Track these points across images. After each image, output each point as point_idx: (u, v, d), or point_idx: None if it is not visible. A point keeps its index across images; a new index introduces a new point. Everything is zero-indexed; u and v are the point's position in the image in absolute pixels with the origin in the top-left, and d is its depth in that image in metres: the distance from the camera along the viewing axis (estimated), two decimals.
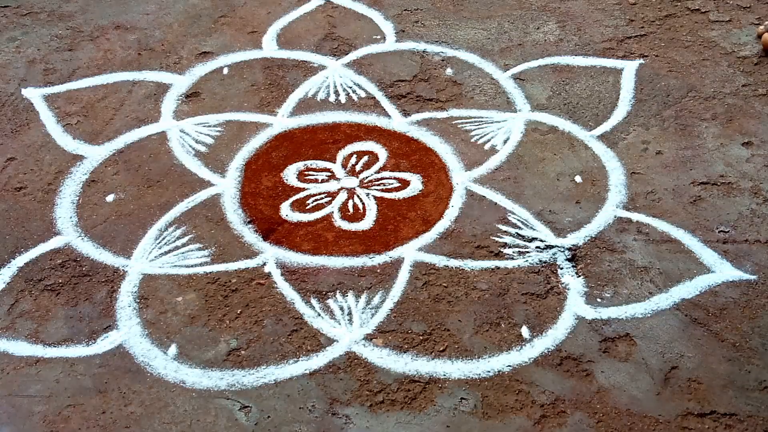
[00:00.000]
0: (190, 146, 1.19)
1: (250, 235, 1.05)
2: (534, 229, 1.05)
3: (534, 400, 0.85)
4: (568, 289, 0.97)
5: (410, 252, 1.02)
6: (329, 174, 1.13)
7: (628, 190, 1.10)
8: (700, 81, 1.26)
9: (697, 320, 0.93)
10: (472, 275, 0.99)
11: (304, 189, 1.11)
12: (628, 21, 1.40)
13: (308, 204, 1.09)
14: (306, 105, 1.26)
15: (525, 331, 0.92)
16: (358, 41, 1.36)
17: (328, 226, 1.06)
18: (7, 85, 1.30)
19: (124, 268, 1.01)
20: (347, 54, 1.35)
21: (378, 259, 1.01)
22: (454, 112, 1.23)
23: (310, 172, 1.14)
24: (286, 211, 1.08)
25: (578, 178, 1.12)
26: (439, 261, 1.01)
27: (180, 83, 1.30)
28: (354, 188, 1.11)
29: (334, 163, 1.14)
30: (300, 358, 0.90)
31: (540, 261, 1.00)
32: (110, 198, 1.11)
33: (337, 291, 0.97)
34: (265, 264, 1.01)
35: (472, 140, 1.18)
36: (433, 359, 0.90)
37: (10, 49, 1.38)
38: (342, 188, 1.11)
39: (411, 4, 1.42)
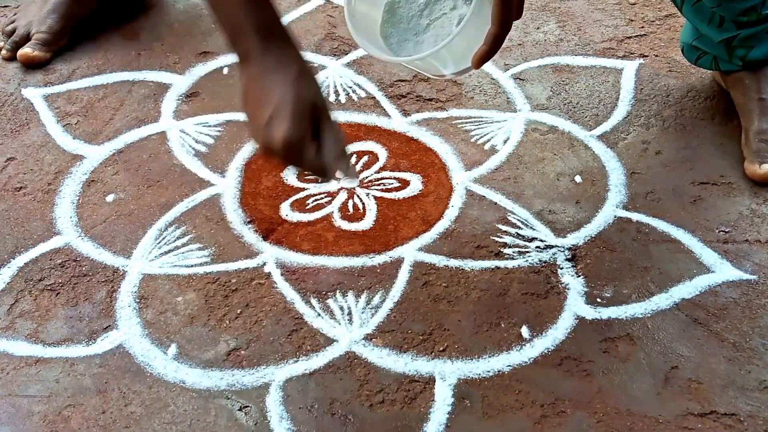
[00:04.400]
0: (190, 146, 1.19)
1: (250, 235, 1.05)
2: (534, 229, 1.05)
3: (534, 400, 0.85)
4: (568, 289, 0.97)
5: (410, 252, 1.02)
6: None
7: (628, 190, 1.10)
8: (700, 81, 1.26)
9: (697, 320, 0.93)
10: (472, 275, 0.99)
11: (304, 189, 1.11)
12: (628, 21, 1.40)
13: (308, 204, 1.09)
14: None
15: (525, 331, 0.92)
16: None
17: (328, 226, 1.06)
18: (7, 85, 1.30)
19: (124, 268, 1.01)
20: (347, 54, 1.35)
21: (378, 259, 1.01)
22: (454, 112, 1.23)
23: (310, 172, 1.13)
24: (286, 211, 1.08)
25: (578, 178, 1.12)
26: (439, 261, 1.01)
27: (180, 83, 1.30)
28: (354, 188, 1.11)
29: None
30: (300, 358, 0.90)
31: (540, 261, 1.00)
32: (110, 198, 1.11)
33: (337, 291, 0.97)
34: (265, 264, 1.01)
35: (472, 140, 1.18)
36: (433, 359, 0.90)
37: None
38: (342, 188, 1.11)
39: None
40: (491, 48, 0.73)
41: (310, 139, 0.78)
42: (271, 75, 0.79)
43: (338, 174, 0.80)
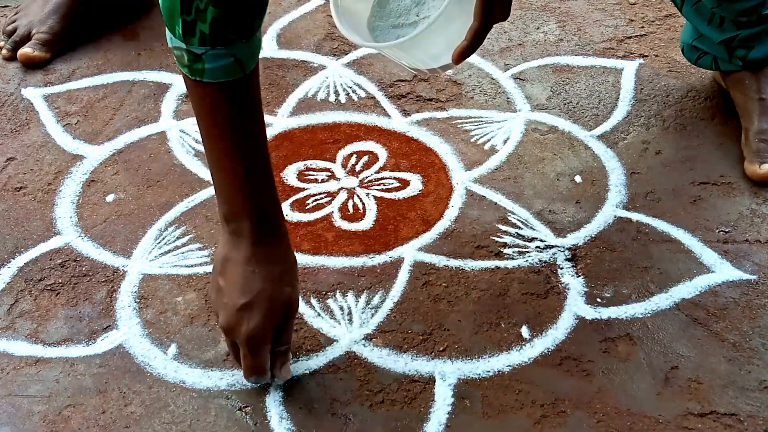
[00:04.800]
0: (190, 146, 1.19)
1: None
2: (534, 229, 1.05)
3: (534, 400, 0.85)
4: (568, 289, 0.97)
5: (410, 252, 1.02)
6: (329, 174, 1.13)
7: (628, 190, 1.10)
8: (700, 81, 1.26)
9: (697, 320, 0.93)
10: (472, 275, 0.99)
11: (304, 189, 1.11)
12: (628, 21, 1.40)
13: (308, 204, 1.09)
14: (306, 105, 1.26)
15: (525, 331, 0.92)
16: None
17: (327, 226, 1.06)
18: (7, 85, 1.30)
19: (124, 268, 1.01)
20: (347, 54, 1.35)
21: (378, 259, 1.01)
22: (454, 112, 1.23)
23: (310, 172, 1.14)
24: (285, 211, 1.08)
25: (578, 178, 1.12)
26: (439, 261, 1.01)
27: (180, 83, 1.30)
28: (354, 188, 1.11)
29: (334, 163, 1.14)
30: (300, 358, 0.90)
31: (540, 261, 1.00)
32: (110, 198, 1.11)
33: (337, 291, 0.97)
34: None
35: (472, 140, 1.18)
36: (433, 359, 0.90)
37: None
38: (342, 188, 1.11)
39: None
40: (471, 43, 0.73)
41: (270, 340, 0.83)
42: (259, 267, 0.82)
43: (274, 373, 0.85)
